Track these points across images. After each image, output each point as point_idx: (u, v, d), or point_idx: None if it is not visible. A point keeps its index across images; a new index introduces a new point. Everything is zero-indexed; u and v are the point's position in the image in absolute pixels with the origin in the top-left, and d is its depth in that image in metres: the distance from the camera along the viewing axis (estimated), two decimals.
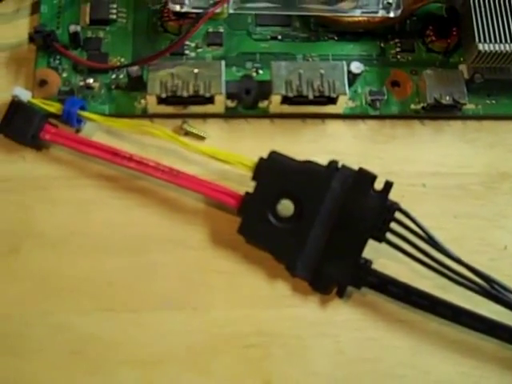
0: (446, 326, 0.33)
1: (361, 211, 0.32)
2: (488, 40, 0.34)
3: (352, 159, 0.35)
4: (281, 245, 0.32)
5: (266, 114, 0.36)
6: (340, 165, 0.32)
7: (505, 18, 0.35)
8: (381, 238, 0.32)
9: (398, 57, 0.38)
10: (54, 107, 0.35)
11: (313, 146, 0.36)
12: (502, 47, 0.34)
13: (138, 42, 0.37)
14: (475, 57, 0.34)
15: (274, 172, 0.32)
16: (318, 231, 0.32)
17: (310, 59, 0.38)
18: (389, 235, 0.32)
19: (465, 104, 0.36)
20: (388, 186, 0.32)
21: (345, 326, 0.33)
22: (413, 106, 0.37)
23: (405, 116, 0.37)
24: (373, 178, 0.32)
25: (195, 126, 0.36)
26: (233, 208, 0.33)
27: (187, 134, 0.36)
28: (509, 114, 0.37)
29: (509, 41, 0.34)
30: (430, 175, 0.36)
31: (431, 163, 0.36)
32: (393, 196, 0.33)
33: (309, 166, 0.32)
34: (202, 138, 0.36)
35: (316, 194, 0.32)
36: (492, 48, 0.34)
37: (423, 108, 0.37)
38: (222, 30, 0.38)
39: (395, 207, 0.32)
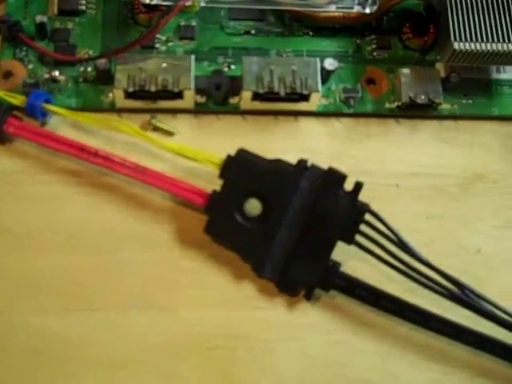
0: (416, 331, 0.32)
1: (330, 212, 0.31)
2: (464, 39, 0.33)
3: (325, 158, 0.34)
4: (248, 245, 0.31)
5: (237, 111, 0.36)
6: (309, 164, 0.31)
7: (481, 16, 0.34)
8: (350, 240, 0.31)
9: (374, 54, 0.38)
10: (17, 100, 0.34)
11: (285, 144, 0.35)
12: (478, 46, 0.33)
13: (108, 35, 0.37)
14: (450, 55, 0.34)
15: (242, 170, 0.32)
16: (285, 232, 0.31)
17: (284, 55, 0.37)
18: (359, 237, 0.31)
19: (440, 104, 0.35)
20: (358, 186, 0.31)
21: (312, 329, 0.32)
22: (388, 105, 0.36)
23: (380, 114, 0.36)
24: (342, 177, 0.31)
25: (164, 122, 0.35)
26: (200, 206, 0.32)
27: (156, 129, 0.35)
28: (485, 114, 0.36)
29: (485, 40, 0.34)
30: (404, 175, 0.35)
31: (406, 163, 0.36)
32: (365, 196, 0.32)
33: (277, 164, 0.32)
34: (170, 134, 0.35)
35: (284, 194, 0.31)
36: (467, 47, 0.33)
37: (398, 107, 0.36)
38: (194, 23, 0.37)
39: (365, 209, 0.31)
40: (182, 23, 0.37)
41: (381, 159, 0.35)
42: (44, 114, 0.34)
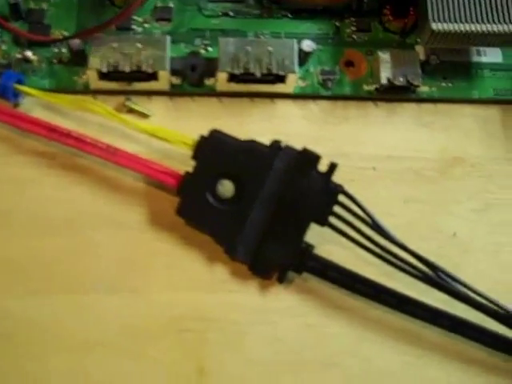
0: (390, 314, 0.32)
1: (303, 193, 0.31)
2: (442, 19, 0.33)
3: (301, 140, 0.34)
4: (220, 227, 0.31)
5: (213, 92, 0.35)
6: (283, 145, 0.31)
7: None
8: (323, 222, 0.31)
9: (354, 36, 0.37)
10: None
11: (261, 126, 0.35)
12: (457, 27, 0.33)
13: (83, 15, 0.36)
14: (429, 37, 0.33)
15: (215, 151, 0.31)
16: (258, 213, 0.31)
17: (262, 37, 0.36)
18: (333, 219, 0.31)
19: (418, 86, 0.35)
20: (332, 167, 0.31)
21: (285, 312, 0.32)
22: (366, 87, 0.36)
23: (358, 97, 0.36)
24: (316, 158, 0.31)
25: (139, 104, 0.35)
26: (172, 188, 0.32)
27: (131, 111, 0.35)
28: (464, 97, 0.36)
29: (463, 20, 0.33)
30: (381, 158, 0.35)
31: (383, 146, 0.35)
32: (342, 179, 0.32)
33: (251, 145, 0.31)
34: (145, 116, 0.35)
35: (257, 175, 0.31)
36: (446, 27, 0.33)
37: (377, 89, 0.35)
38: (171, 4, 0.37)
39: (339, 190, 0.31)
40: (159, 4, 0.37)
41: (358, 142, 0.35)
42: (16, 95, 0.34)
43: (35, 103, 0.34)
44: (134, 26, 0.36)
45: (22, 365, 0.30)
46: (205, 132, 0.33)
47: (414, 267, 0.30)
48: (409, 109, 0.36)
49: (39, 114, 0.34)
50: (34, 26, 0.35)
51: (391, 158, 0.35)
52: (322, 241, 0.32)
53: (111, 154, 0.32)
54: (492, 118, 0.36)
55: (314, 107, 0.36)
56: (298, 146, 0.33)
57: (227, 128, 0.33)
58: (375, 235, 0.31)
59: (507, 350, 0.31)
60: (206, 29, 0.36)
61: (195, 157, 0.31)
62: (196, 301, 0.31)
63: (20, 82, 0.33)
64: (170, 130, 0.32)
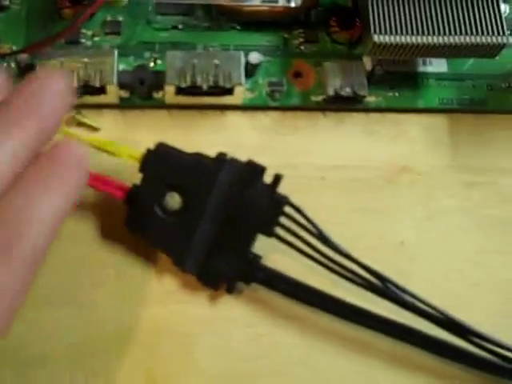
0: (339, 323, 0.32)
1: (249, 205, 0.31)
2: (384, 31, 0.33)
3: (251, 151, 0.34)
4: (168, 239, 0.31)
5: (163, 105, 0.35)
6: (228, 157, 0.31)
7: (402, 8, 0.34)
8: (269, 233, 0.31)
9: (302, 47, 0.38)
10: None
11: (212, 138, 0.35)
12: (399, 39, 0.33)
13: (32, 30, 0.36)
14: (371, 48, 0.34)
15: (162, 164, 0.31)
16: (206, 225, 0.31)
17: (211, 49, 0.37)
18: (280, 230, 0.31)
19: (365, 96, 0.35)
20: (277, 178, 0.31)
21: (235, 322, 0.32)
22: (314, 98, 0.36)
23: (307, 108, 0.36)
24: (261, 170, 0.31)
25: (88, 117, 0.35)
26: (120, 200, 0.32)
27: (80, 124, 0.35)
28: (411, 106, 0.36)
29: (405, 32, 0.34)
30: (329, 168, 0.35)
31: (332, 156, 0.36)
32: (291, 189, 0.32)
33: (197, 158, 0.31)
34: (95, 129, 0.35)
35: (203, 187, 0.31)
36: (387, 40, 0.33)
37: (324, 100, 0.36)
38: (120, 18, 0.37)
39: (284, 201, 0.31)
40: (109, 18, 0.37)
41: (307, 152, 0.35)
42: None
43: None
44: (83, 40, 0.36)
45: None
46: (154, 144, 0.33)
47: (359, 276, 0.31)
48: (357, 118, 0.36)
49: None
50: None
51: (339, 168, 0.35)
52: (271, 250, 0.32)
53: None
54: (438, 126, 0.37)
55: (264, 118, 0.36)
56: (248, 156, 0.33)
57: (177, 140, 0.34)
58: (321, 245, 0.31)
59: (453, 356, 0.31)
60: (155, 42, 0.37)
61: (142, 170, 0.31)
62: (145, 312, 0.31)
63: None
64: (117, 144, 0.32)
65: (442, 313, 0.31)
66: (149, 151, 0.31)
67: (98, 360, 0.30)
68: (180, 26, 0.37)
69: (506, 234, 0.35)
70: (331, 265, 0.31)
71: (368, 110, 0.36)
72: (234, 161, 0.31)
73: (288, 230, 0.31)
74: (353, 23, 0.37)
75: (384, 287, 0.31)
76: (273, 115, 0.36)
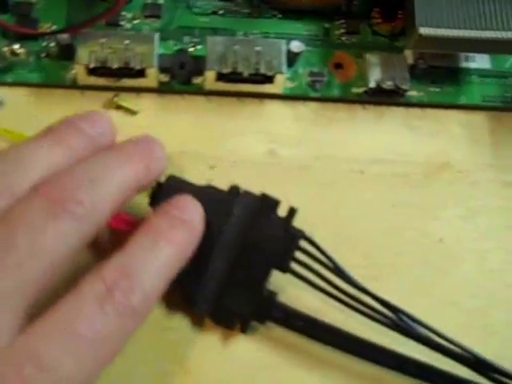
0: (357, 362, 0.30)
1: (263, 239, 0.29)
2: (429, 24, 0.33)
3: (289, 141, 0.34)
4: (179, 276, 0.29)
5: (202, 91, 0.35)
6: (242, 190, 0.30)
7: (447, 1, 0.33)
8: (285, 269, 0.30)
9: (343, 38, 0.37)
10: None
11: (249, 126, 0.35)
12: (445, 32, 0.33)
13: (73, 10, 0.36)
14: (416, 41, 0.33)
15: (169, 197, 0.29)
16: (218, 261, 0.29)
17: (251, 36, 0.36)
18: (294, 265, 0.30)
19: (407, 90, 0.35)
20: (292, 212, 0.30)
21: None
22: (355, 90, 0.36)
23: (347, 99, 0.36)
24: (275, 203, 0.30)
25: (127, 100, 0.34)
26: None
27: (118, 107, 0.34)
28: (452, 102, 0.36)
29: (452, 26, 0.33)
30: (369, 162, 0.35)
31: (371, 149, 0.35)
32: (328, 181, 0.32)
33: (209, 190, 0.30)
34: (133, 113, 0.35)
35: (216, 222, 0.30)
36: (433, 32, 0.33)
37: (365, 92, 0.35)
38: (161, 1, 0.37)
39: (299, 235, 0.30)
40: (149, 1, 0.37)
41: (345, 144, 0.35)
42: None
43: None
44: (122, 22, 0.36)
45: None
46: (192, 129, 0.33)
47: (376, 311, 0.29)
48: (397, 112, 0.36)
49: None
50: (21, 19, 0.35)
51: (378, 162, 0.35)
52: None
53: None
54: (479, 124, 0.36)
55: (303, 108, 0.36)
56: (285, 146, 0.33)
57: (214, 127, 0.34)
58: (337, 279, 0.30)
59: None
60: (195, 27, 0.36)
61: (152, 203, 0.30)
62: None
63: None
64: None
65: (462, 348, 0.29)
66: (159, 185, 0.30)
67: None
68: (220, 12, 0.37)
69: None
70: (347, 299, 0.29)
71: (409, 104, 0.36)
72: (247, 194, 0.30)
73: (303, 264, 0.29)
74: (395, 15, 0.37)
75: (400, 321, 0.29)
76: (311, 106, 0.36)
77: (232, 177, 0.32)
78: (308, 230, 0.30)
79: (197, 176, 0.32)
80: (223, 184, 0.31)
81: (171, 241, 0.26)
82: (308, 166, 0.34)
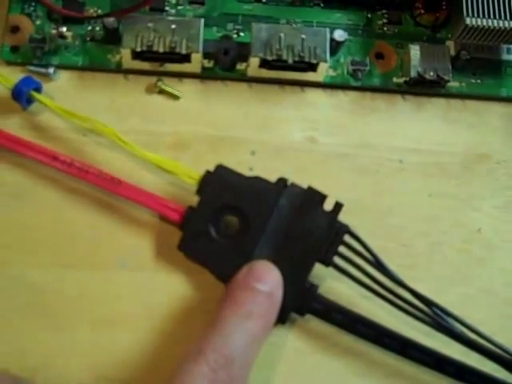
0: (394, 358, 0.30)
1: (308, 232, 0.30)
2: (476, 14, 0.33)
3: (329, 129, 0.35)
4: (223, 263, 0.30)
5: (244, 78, 0.35)
6: (289, 183, 0.31)
7: None
8: (328, 262, 0.30)
9: (385, 28, 0.37)
10: (7, 81, 0.33)
11: (290, 114, 0.35)
12: (490, 23, 0.33)
13: None
14: (462, 31, 0.33)
15: (220, 186, 0.31)
16: (262, 251, 0.30)
17: (294, 25, 0.36)
18: (337, 259, 0.30)
19: (448, 81, 0.35)
20: (338, 206, 0.30)
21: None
22: (395, 80, 0.36)
23: (387, 89, 0.36)
24: (322, 197, 0.30)
25: (170, 85, 0.35)
26: (175, 222, 0.31)
27: (161, 92, 0.35)
28: (493, 94, 0.36)
29: (497, 17, 0.33)
30: (407, 151, 0.35)
31: (410, 139, 0.35)
32: (369, 169, 0.33)
33: (256, 181, 0.31)
34: (176, 98, 0.35)
35: (262, 212, 0.30)
36: (480, 23, 0.33)
37: (406, 82, 0.36)
38: None
39: (344, 229, 0.30)
40: None
41: (385, 134, 0.35)
42: (29, 101, 0.33)
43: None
44: (167, 8, 0.36)
45: (44, 335, 0.30)
46: (234, 115, 0.34)
47: (415, 307, 0.29)
48: (437, 104, 0.36)
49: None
50: (68, 3, 0.35)
51: (417, 152, 0.35)
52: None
53: (115, 186, 0.31)
54: None
55: (344, 97, 0.36)
56: (326, 134, 0.33)
57: (256, 113, 0.34)
58: (379, 274, 0.30)
59: None
60: (238, 14, 0.37)
61: (199, 191, 0.31)
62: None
63: (38, 90, 0.33)
64: (174, 163, 0.32)
65: (500, 348, 0.29)
66: (208, 173, 0.31)
67: (176, 323, 0.30)
68: (263, 0, 0.37)
69: None
70: (387, 295, 0.30)
71: (449, 95, 0.36)
72: (294, 186, 0.31)
73: (346, 258, 0.30)
74: (439, 5, 0.36)
75: (438, 317, 0.29)
76: (352, 95, 0.36)
77: (272, 163, 0.33)
78: (346, 218, 0.30)
79: (238, 162, 0.32)
80: (264, 170, 0.32)
81: (258, 317, 0.28)
82: (347, 154, 0.34)
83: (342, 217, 0.31)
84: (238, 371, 0.27)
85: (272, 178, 0.31)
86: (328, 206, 0.30)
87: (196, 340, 0.27)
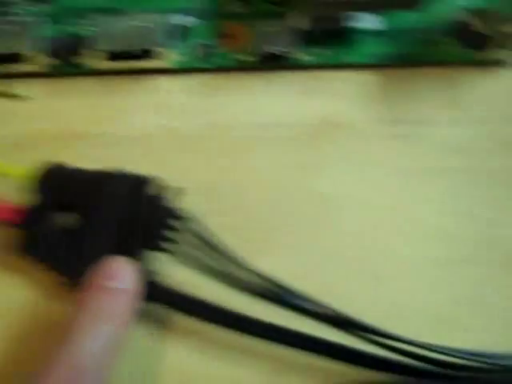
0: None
1: (137, 219, 0.30)
2: None
3: (182, 114, 0.35)
4: (63, 259, 0.30)
5: (92, 72, 0.35)
6: (117, 171, 0.31)
7: None
8: (156, 248, 0.30)
9: (232, 8, 0.37)
10: None
11: (142, 103, 0.36)
12: None
13: None
14: (301, 5, 0.34)
15: (58, 183, 0.30)
16: (99, 242, 0.30)
17: (136, 13, 0.36)
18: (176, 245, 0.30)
19: (295, 54, 0.35)
20: (162, 189, 0.30)
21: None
22: (245, 58, 0.36)
23: (238, 68, 0.36)
24: (146, 181, 0.30)
25: (14, 86, 0.35)
26: (12, 223, 0.30)
27: (4, 95, 0.34)
28: (342, 63, 0.37)
29: None
30: (262, 127, 0.35)
31: (263, 115, 0.36)
32: (227, 148, 0.34)
33: (93, 174, 0.31)
34: (21, 99, 0.35)
35: (97, 204, 0.30)
36: None
37: (256, 60, 0.36)
38: None
39: (171, 213, 0.30)
40: None
41: (240, 113, 0.36)
42: None
43: None
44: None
45: None
46: (84, 111, 0.34)
47: (258, 286, 0.29)
48: (286, 77, 0.36)
49: None
50: None
51: (271, 126, 0.35)
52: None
53: None
54: (370, 82, 0.37)
55: (195, 80, 0.36)
56: (178, 119, 0.34)
57: (108, 106, 0.34)
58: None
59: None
60: (81, 7, 0.36)
61: (37, 190, 0.30)
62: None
63: None
64: (2, 164, 0.31)
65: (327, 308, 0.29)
66: (44, 171, 0.30)
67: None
68: None
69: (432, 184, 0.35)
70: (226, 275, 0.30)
71: (299, 67, 0.36)
72: (120, 174, 0.30)
73: (175, 242, 0.30)
74: None
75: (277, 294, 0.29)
76: (204, 77, 0.36)
77: (125, 154, 0.33)
78: (200, 200, 0.31)
79: (87, 156, 0.33)
80: (117, 161, 0.32)
81: (112, 318, 0.27)
82: (202, 136, 0.34)
83: (196, 199, 0.31)
84: (90, 381, 0.25)
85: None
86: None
87: (46, 353, 0.26)
